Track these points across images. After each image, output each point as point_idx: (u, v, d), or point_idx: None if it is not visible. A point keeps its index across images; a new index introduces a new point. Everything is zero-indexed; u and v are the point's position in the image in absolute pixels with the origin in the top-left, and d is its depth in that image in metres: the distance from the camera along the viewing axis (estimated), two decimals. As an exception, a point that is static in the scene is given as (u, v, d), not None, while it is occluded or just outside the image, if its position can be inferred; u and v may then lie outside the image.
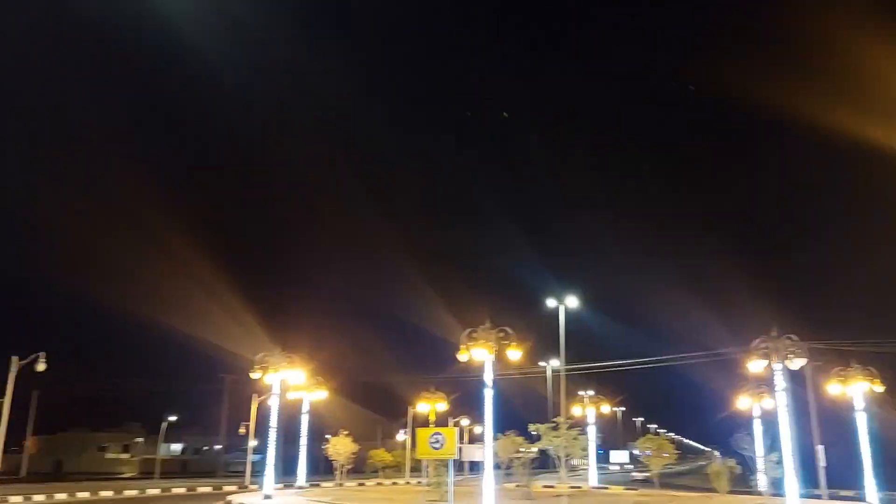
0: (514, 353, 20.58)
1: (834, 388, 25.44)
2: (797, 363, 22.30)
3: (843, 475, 31.61)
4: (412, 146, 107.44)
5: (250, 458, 41.06)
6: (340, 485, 35.50)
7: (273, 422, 26.06)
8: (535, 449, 28.87)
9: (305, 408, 33.00)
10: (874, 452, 25.35)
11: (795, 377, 28.44)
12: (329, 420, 44.67)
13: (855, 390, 25.02)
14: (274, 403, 26.17)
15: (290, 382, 27.76)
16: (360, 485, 37.56)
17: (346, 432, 36.13)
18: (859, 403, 25.12)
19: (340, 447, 35.65)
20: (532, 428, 27.55)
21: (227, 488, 34.09)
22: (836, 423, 28.92)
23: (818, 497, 28.86)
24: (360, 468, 44.73)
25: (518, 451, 27.71)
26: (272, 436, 25.96)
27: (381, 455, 46.74)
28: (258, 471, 36.30)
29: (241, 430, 42.31)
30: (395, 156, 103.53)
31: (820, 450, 31.77)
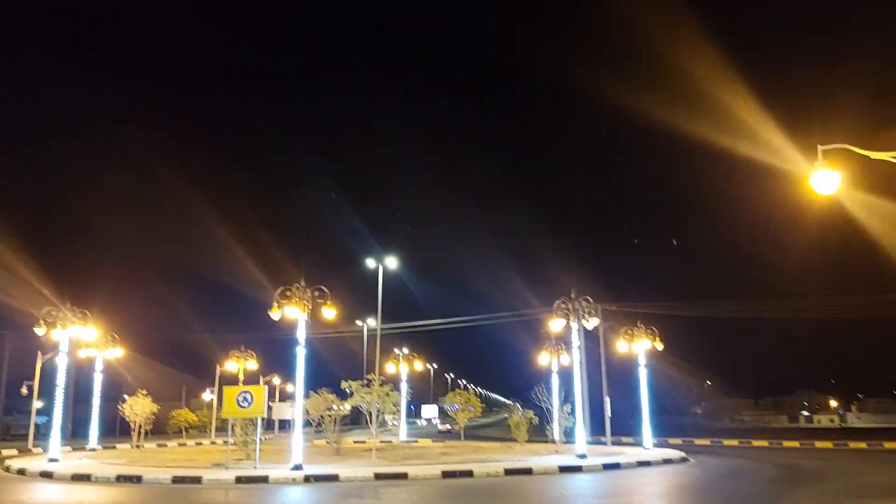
0: (329, 312, 20.47)
1: (622, 345, 27.98)
2: (592, 323, 24.30)
3: (626, 424, 35.00)
4: (227, 99, 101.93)
5: (34, 420, 37.64)
6: (138, 446, 33.50)
7: (60, 381, 24.03)
8: (347, 406, 28.87)
9: (99, 366, 30.82)
10: (652, 403, 28.32)
11: (590, 336, 30.91)
12: (128, 379, 41.83)
13: (639, 348, 27.68)
14: (61, 361, 24.05)
15: (81, 339, 25.58)
16: (161, 446, 35.70)
17: (144, 392, 34.04)
18: (642, 360, 27.85)
19: (138, 407, 33.57)
20: (344, 385, 27.48)
21: (6, 452, 30.97)
22: (623, 377, 31.77)
23: (603, 444, 31.65)
24: (161, 429, 42.55)
25: (329, 409, 27.59)
26: (59, 396, 24.00)
27: (184, 415, 44.79)
28: (44, 434, 33.37)
29: (24, 391, 38.57)
30: (205, 105, 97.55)
31: (607, 401, 34.81)
